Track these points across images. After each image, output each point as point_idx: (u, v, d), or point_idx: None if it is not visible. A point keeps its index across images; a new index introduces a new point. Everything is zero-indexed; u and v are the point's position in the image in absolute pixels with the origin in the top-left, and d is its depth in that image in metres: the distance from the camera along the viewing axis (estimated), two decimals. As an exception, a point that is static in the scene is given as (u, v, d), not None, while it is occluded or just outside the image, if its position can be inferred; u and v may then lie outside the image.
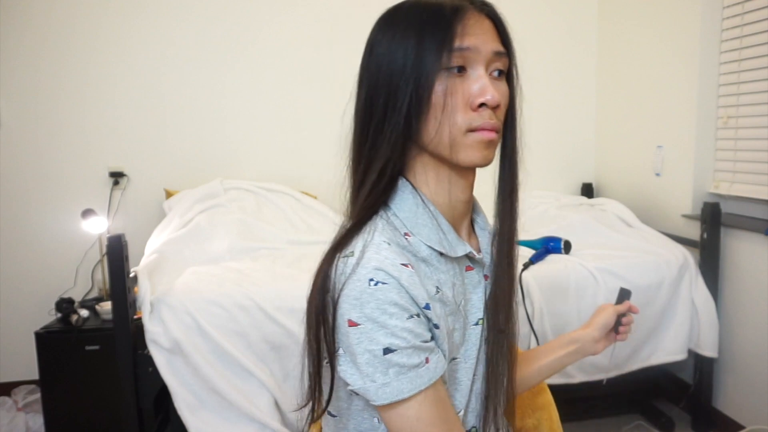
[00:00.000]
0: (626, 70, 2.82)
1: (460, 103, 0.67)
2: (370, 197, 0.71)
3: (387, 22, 0.72)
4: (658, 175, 2.57)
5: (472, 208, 0.81)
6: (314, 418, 0.74)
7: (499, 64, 0.70)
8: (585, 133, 3.10)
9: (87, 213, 2.44)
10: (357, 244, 0.67)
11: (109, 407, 2.08)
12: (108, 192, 2.64)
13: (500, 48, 0.69)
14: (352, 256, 0.66)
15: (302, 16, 2.77)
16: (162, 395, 1.77)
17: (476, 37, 0.67)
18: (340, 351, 0.66)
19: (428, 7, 0.67)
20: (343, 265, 0.66)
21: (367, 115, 0.71)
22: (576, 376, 2.04)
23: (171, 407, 1.72)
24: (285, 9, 2.75)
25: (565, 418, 0.97)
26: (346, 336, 0.64)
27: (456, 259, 0.73)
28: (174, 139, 2.70)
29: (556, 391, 1.12)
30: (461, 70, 0.67)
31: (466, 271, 0.76)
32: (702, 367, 2.21)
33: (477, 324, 0.76)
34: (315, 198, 2.72)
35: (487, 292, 0.77)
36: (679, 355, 2.13)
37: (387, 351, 0.63)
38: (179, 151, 2.71)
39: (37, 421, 2.29)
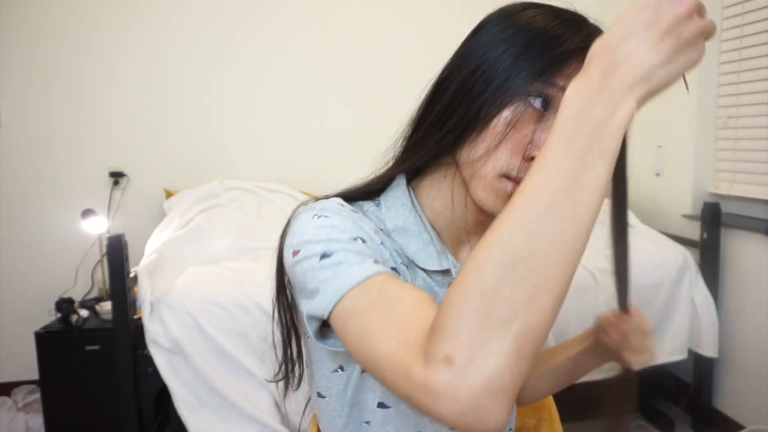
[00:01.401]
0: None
1: (515, 143, 0.58)
2: (370, 184, 0.69)
3: (510, 11, 0.62)
4: (658, 175, 2.57)
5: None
6: (287, 387, 0.71)
7: None
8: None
9: (87, 213, 2.44)
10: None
11: (109, 407, 2.07)
12: (108, 192, 2.64)
13: None
14: (305, 203, 0.65)
15: (302, 17, 2.77)
16: (162, 395, 1.77)
17: None
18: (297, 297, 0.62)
19: (556, 26, 0.58)
20: (296, 211, 0.65)
21: (431, 100, 0.65)
22: (576, 376, 2.03)
23: (171, 407, 1.72)
24: (285, 10, 2.75)
25: (565, 418, 0.97)
26: (292, 270, 0.59)
27: (431, 271, 0.67)
28: (174, 139, 2.70)
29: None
30: (545, 107, 0.58)
31: (448, 286, 0.67)
32: (702, 367, 2.21)
33: None
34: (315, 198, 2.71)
35: None
36: (679, 355, 2.13)
37: (323, 257, 0.55)
38: (179, 151, 2.71)
39: (37, 421, 2.29)
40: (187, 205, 2.42)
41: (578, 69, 0.53)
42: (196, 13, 2.68)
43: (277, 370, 0.73)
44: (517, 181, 0.59)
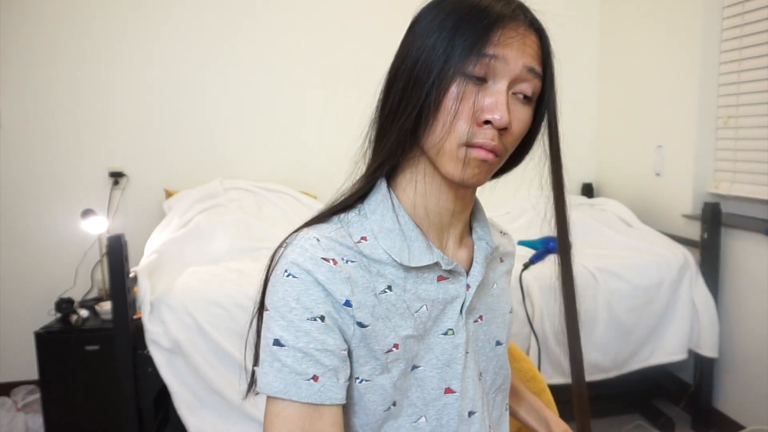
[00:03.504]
0: (627, 70, 2.82)
1: (466, 113, 0.63)
2: (353, 193, 0.71)
3: (436, 2, 0.67)
4: (658, 175, 2.57)
5: (468, 216, 0.77)
6: (249, 392, 0.74)
7: (528, 86, 0.65)
8: (585, 133, 3.10)
9: (87, 213, 2.44)
10: (295, 235, 0.68)
11: (109, 407, 2.08)
12: (108, 192, 2.64)
13: (535, 65, 0.65)
14: (285, 246, 0.67)
15: (302, 17, 2.77)
16: (162, 395, 1.77)
17: (510, 48, 0.63)
18: None
19: (480, 3, 0.63)
20: (278, 254, 0.67)
21: (386, 97, 0.69)
22: (576, 376, 2.03)
23: (171, 407, 1.72)
24: (284, 9, 2.75)
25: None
26: (264, 319, 0.66)
27: (421, 268, 0.69)
28: (174, 139, 2.70)
29: (557, 391, 1.12)
30: (483, 76, 0.63)
31: (438, 281, 0.71)
32: (702, 367, 2.21)
33: (446, 334, 0.72)
34: (315, 198, 2.72)
35: (467, 303, 0.73)
36: (679, 355, 2.13)
37: (276, 343, 0.63)
38: (179, 151, 2.71)
39: (37, 421, 2.29)
40: (186, 205, 2.42)
41: (504, 35, 0.62)
42: (195, 13, 2.68)
43: (248, 384, 0.75)
44: (475, 146, 0.64)
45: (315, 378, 0.62)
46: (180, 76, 2.69)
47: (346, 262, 0.65)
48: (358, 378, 0.67)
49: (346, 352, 0.65)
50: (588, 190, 3.06)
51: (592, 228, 2.40)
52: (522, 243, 2.23)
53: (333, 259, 0.64)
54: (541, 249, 2.14)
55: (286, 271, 0.64)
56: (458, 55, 0.62)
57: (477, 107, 0.63)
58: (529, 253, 2.12)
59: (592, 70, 3.06)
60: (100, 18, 2.58)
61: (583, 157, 3.10)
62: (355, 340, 0.65)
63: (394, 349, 0.68)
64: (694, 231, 2.31)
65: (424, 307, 0.70)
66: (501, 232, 0.87)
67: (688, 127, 2.36)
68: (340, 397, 0.64)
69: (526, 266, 2.03)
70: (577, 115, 3.06)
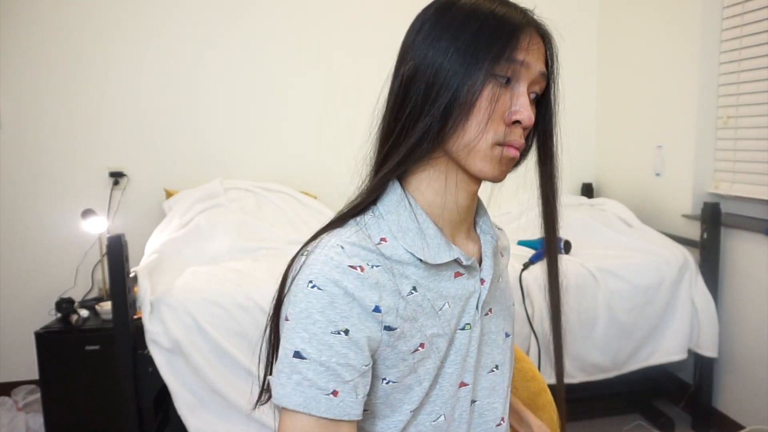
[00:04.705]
0: (626, 71, 2.82)
1: (499, 114, 0.66)
2: (367, 195, 0.71)
3: (448, 4, 0.68)
4: (658, 175, 2.57)
5: (475, 211, 0.79)
6: (259, 401, 0.74)
7: (538, 88, 0.70)
8: (585, 133, 3.10)
9: (87, 213, 2.44)
10: (315, 243, 0.68)
11: (109, 407, 2.08)
12: (108, 192, 2.64)
13: (545, 69, 0.69)
14: (306, 254, 0.66)
15: (301, 17, 2.77)
16: (162, 395, 1.77)
17: (531, 54, 0.67)
18: None
19: (496, 10, 0.66)
20: (298, 262, 0.67)
21: (401, 100, 0.69)
22: (576, 376, 2.04)
23: (171, 407, 1.72)
24: (284, 9, 2.75)
25: (565, 417, 0.97)
26: (282, 329, 0.66)
27: (440, 266, 0.70)
28: (174, 139, 2.70)
29: (556, 391, 1.12)
30: (508, 81, 0.66)
31: (456, 277, 0.72)
32: (702, 367, 2.21)
33: (464, 329, 0.73)
34: (315, 198, 2.72)
35: (482, 298, 0.74)
36: (679, 355, 2.13)
37: (297, 355, 0.62)
38: (179, 151, 2.71)
39: (37, 421, 2.29)
40: (187, 205, 2.43)
41: (532, 42, 0.66)
42: (195, 12, 2.68)
43: (258, 393, 0.75)
44: (506, 144, 0.67)
45: (335, 393, 0.62)
46: (180, 76, 2.69)
47: (372, 267, 0.65)
48: (384, 379, 0.67)
49: (367, 368, 0.65)
50: (588, 190, 3.06)
51: (592, 228, 2.40)
52: (522, 243, 2.23)
53: (360, 266, 0.64)
54: (541, 249, 2.14)
55: (310, 282, 0.63)
56: (489, 60, 0.64)
57: (506, 108, 0.67)
58: (529, 253, 2.12)
59: (591, 70, 3.06)
60: (100, 18, 2.58)
61: (582, 157, 3.10)
62: (383, 344, 0.66)
63: (420, 348, 0.68)
64: (693, 231, 2.31)
65: (447, 304, 0.71)
66: (496, 226, 0.89)
67: (688, 127, 2.36)
68: (357, 413, 0.64)
69: (525, 266, 2.03)
70: (577, 115, 3.06)
